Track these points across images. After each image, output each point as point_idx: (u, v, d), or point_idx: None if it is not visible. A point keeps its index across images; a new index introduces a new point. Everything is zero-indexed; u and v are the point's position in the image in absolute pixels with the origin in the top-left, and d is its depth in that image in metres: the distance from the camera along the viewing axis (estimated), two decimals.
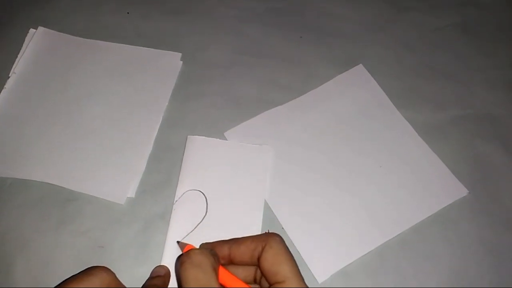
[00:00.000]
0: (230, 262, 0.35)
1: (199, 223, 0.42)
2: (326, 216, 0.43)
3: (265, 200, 0.44)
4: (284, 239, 0.41)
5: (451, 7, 0.57)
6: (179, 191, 0.43)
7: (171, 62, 0.52)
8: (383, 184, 0.45)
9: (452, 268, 0.41)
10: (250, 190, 0.44)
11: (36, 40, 0.52)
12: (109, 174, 0.45)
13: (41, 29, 0.53)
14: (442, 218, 0.43)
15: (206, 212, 0.42)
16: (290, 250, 0.40)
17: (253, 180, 0.44)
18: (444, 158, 0.46)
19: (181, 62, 0.52)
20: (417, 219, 0.43)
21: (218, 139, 0.46)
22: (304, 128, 0.48)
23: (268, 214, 0.43)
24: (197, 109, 0.49)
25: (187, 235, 0.41)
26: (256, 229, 0.42)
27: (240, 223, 0.42)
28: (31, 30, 0.53)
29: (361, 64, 0.51)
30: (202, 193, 0.43)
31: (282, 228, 0.42)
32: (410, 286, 0.40)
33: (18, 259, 0.41)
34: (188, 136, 0.46)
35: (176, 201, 0.43)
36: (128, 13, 0.55)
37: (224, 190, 0.43)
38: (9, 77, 0.50)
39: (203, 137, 0.46)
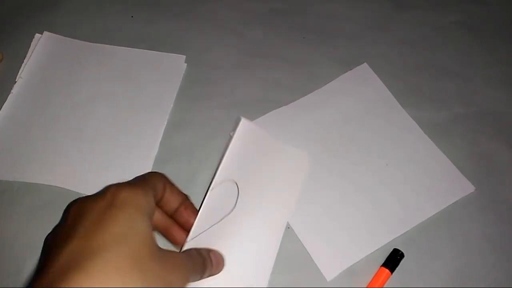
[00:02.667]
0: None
1: (223, 217, 0.39)
2: (333, 214, 0.43)
3: None
4: (291, 238, 0.42)
5: (453, 5, 0.57)
6: (219, 178, 0.40)
7: (176, 64, 0.52)
8: (390, 182, 0.45)
9: (458, 265, 0.41)
10: (281, 193, 0.42)
11: (42, 45, 0.53)
12: (116, 176, 0.45)
13: (46, 34, 0.54)
14: (447, 215, 0.43)
15: (234, 207, 0.40)
16: (297, 248, 0.42)
17: (285, 184, 0.42)
18: (449, 155, 0.46)
19: (186, 64, 0.52)
20: (424, 216, 0.43)
21: (266, 132, 0.42)
22: (310, 127, 0.48)
23: None
24: (202, 110, 0.49)
25: (210, 227, 0.38)
26: (278, 235, 0.41)
27: (264, 225, 0.40)
28: (37, 35, 0.54)
29: (365, 63, 0.52)
30: (237, 185, 0.40)
31: (288, 227, 0.42)
32: (416, 284, 0.40)
33: (28, 262, 0.41)
34: (242, 119, 0.41)
35: (212, 188, 0.39)
36: (132, 17, 0.56)
37: (256, 187, 0.41)
38: (15, 81, 0.50)
39: (255, 124, 0.42)
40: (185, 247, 0.36)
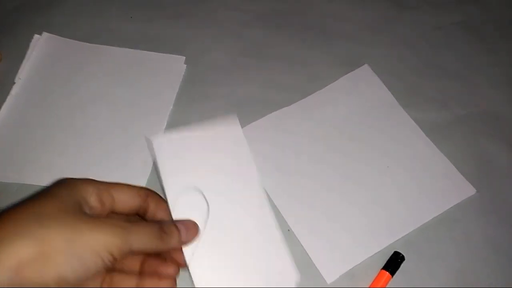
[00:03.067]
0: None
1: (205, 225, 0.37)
2: (333, 217, 0.43)
3: (272, 200, 0.44)
4: (292, 240, 0.42)
5: (453, 6, 0.57)
6: (171, 198, 0.37)
7: (175, 65, 0.52)
8: (391, 184, 0.44)
9: (459, 268, 0.41)
10: (241, 173, 0.39)
11: (41, 45, 0.53)
12: (115, 177, 0.45)
13: (45, 34, 0.53)
14: (448, 217, 0.43)
15: (208, 208, 0.37)
16: (298, 250, 0.41)
17: (239, 161, 0.39)
18: (450, 157, 0.46)
19: (185, 65, 0.52)
20: (425, 219, 0.43)
21: (181, 131, 0.39)
22: (310, 128, 0.48)
23: (276, 214, 0.43)
24: (202, 112, 0.49)
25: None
26: (271, 219, 0.37)
27: (246, 213, 0.37)
28: (36, 36, 0.53)
29: (366, 64, 0.51)
30: (199, 189, 0.37)
31: (289, 230, 0.42)
32: (417, 286, 0.40)
33: None
34: (153, 140, 0.38)
35: (173, 210, 0.37)
36: (131, 17, 0.56)
37: (216, 181, 0.38)
38: (14, 83, 0.50)
39: (167, 134, 0.40)
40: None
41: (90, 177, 0.33)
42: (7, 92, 0.49)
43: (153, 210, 0.35)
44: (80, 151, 0.47)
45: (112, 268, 0.33)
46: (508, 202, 0.44)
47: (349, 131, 0.47)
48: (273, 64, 0.52)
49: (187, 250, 0.35)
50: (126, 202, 0.34)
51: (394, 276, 0.40)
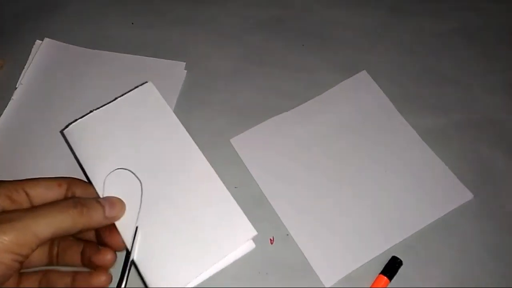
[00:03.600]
0: None
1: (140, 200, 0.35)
2: (332, 221, 0.43)
3: (270, 205, 0.44)
4: (290, 245, 0.42)
5: (451, 13, 0.57)
6: (96, 182, 0.35)
7: (176, 71, 0.52)
8: (389, 189, 0.45)
9: (456, 273, 0.41)
10: (168, 137, 0.37)
11: (43, 51, 0.53)
12: None
13: (47, 40, 0.54)
14: (445, 223, 0.43)
15: (141, 185, 0.35)
16: (296, 255, 0.42)
17: (163, 125, 0.37)
18: (447, 162, 0.46)
19: (186, 71, 0.52)
20: (422, 223, 0.43)
21: (92, 112, 0.38)
22: (309, 133, 0.48)
23: (274, 219, 0.43)
24: (202, 117, 0.50)
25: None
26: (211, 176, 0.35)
27: (185, 179, 0.35)
28: (38, 42, 0.54)
29: (364, 70, 0.52)
30: (125, 168, 0.35)
31: (287, 234, 0.43)
32: None
33: None
34: (64, 131, 0.37)
35: (102, 195, 0.35)
36: (132, 23, 0.56)
37: (144, 154, 0.36)
38: (16, 88, 0.51)
39: (77, 121, 0.38)
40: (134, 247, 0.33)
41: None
42: (9, 97, 0.50)
43: (81, 196, 0.34)
44: None
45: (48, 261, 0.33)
46: (505, 207, 0.44)
47: (348, 137, 0.48)
48: (272, 70, 0.53)
49: (124, 232, 0.33)
50: (44, 195, 0.33)
51: (392, 281, 0.40)
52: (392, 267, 0.41)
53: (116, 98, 0.38)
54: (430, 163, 0.46)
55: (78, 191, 0.34)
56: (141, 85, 0.39)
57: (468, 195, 0.44)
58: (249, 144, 0.47)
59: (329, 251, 0.42)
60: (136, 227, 0.34)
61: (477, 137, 0.48)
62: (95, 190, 0.35)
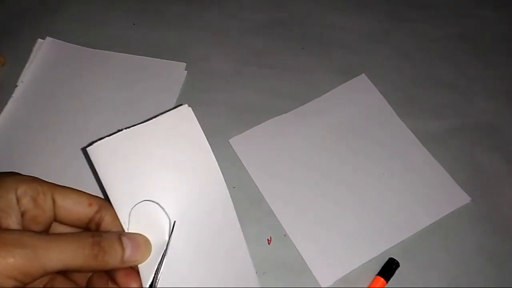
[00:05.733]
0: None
1: (168, 242, 0.31)
2: (329, 222, 0.43)
3: (268, 205, 0.44)
4: (287, 245, 0.42)
5: (449, 18, 0.58)
6: (121, 214, 0.31)
7: (176, 71, 0.53)
8: (386, 191, 0.45)
9: (453, 275, 0.41)
10: (200, 172, 0.33)
11: (44, 50, 0.53)
12: None
13: (49, 39, 0.54)
14: (442, 226, 0.43)
15: (170, 222, 0.31)
16: (293, 255, 0.42)
17: (196, 158, 0.33)
18: (445, 166, 0.47)
19: (186, 71, 0.53)
20: (420, 226, 0.43)
21: (122, 132, 0.33)
22: (308, 135, 0.48)
23: (272, 219, 0.43)
24: (201, 117, 0.49)
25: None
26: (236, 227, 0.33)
27: (211, 222, 0.33)
28: (39, 40, 0.54)
29: (363, 74, 0.52)
30: (154, 201, 0.32)
31: (285, 234, 0.43)
32: None
33: None
34: (88, 150, 0.32)
35: (127, 228, 0.31)
36: (134, 24, 0.57)
37: (172, 187, 0.32)
38: (17, 85, 0.51)
39: (104, 139, 0.33)
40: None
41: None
42: (9, 95, 0.50)
43: (108, 225, 0.30)
44: (80, 155, 0.47)
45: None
46: (502, 211, 0.44)
47: (346, 139, 0.48)
48: (272, 72, 0.53)
49: (145, 273, 0.29)
50: (71, 210, 0.30)
51: (388, 282, 0.40)
52: (389, 268, 0.41)
53: (149, 119, 0.34)
54: (428, 166, 0.47)
55: (107, 219, 0.30)
56: (177, 106, 0.35)
57: (465, 198, 0.45)
58: (248, 145, 0.48)
59: (326, 252, 0.42)
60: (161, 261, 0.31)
61: (475, 141, 0.48)
62: (119, 221, 0.31)
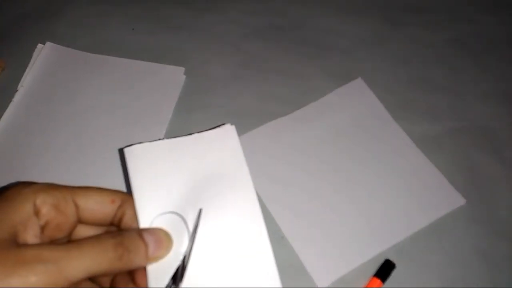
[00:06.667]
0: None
1: (189, 251, 0.30)
2: (326, 224, 0.44)
3: (266, 207, 0.45)
4: (285, 247, 0.43)
5: (445, 23, 0.58)
6: (144, 221, 0.30)
7: (175, 76, 0.53)
8: (382, 193, 0.46)
9: (448, 277, 0.42)
10: (234, 186, 0.33)
11: (44, 54, 0.54)
12: (115, 185, 0.45)
13: (49, 44, 0.55)
14: (438, 227, 0.44)
15: (190, 237, 0.30)
16: (291, 257, 0.42)
17: (231, 173, 0.33)
18: (440, 168, 0.47)
19: (184, 76, 0.53)
20: (415, 228, 0.44)
21: (162, 140, 0.34)
22: (305, 138, 0.49)
23: (270, 221, 0.44)
24: (200, 121, 0.50)
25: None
26: (263, 241, 0.32)
27: (240, 238, 0.31)
28: (39, 45, 0.55)
29: (360, 78, 0.53)
30: (179, 214, 0.31)
31: (282, 237, 0.43)
32: None
33: None
34: (126, 150, 0.33)
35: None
36: (133, 29, 0.57)
37: (200, 200, 0.31)
38: (17, 90, 0.51)
39: (145, 144, 0.34)
40: None
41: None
42: (9, 99, 0.51)
43: (130, 219, 0.30)
44: (79, 159, 0.47)
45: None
46: (496, 212, 0.45)
47: (342, 142, 0.49)
48: (269, 76, 0.54)
49: (153, 274, 0.28)
50: (95, 211, 0.29)
51: (385, 283, 0.41)
52: (385, 269, 0.41)
53: (191, 134, 0.34)
54: (423, 169, 0.47)
55: (129, 212, 0.30)
56: (221, 125, 0.35)
57: (460, 200, 0.45)
58: (246, 148, 0.47)
59: (323, 253, 0.42)
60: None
61: (470, 144, 0.49)
62: (139, 223, 0.30)
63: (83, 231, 0.30)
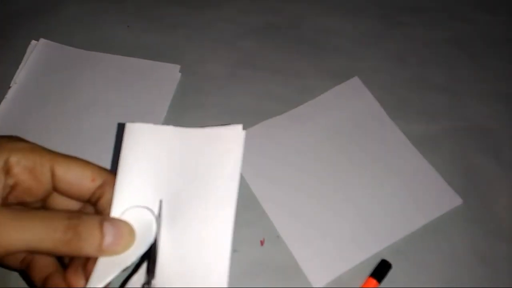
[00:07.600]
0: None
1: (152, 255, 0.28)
2: (322, 224, 0.43)
3: (261, 206, 0.44)
4: (280, 246, 0.42)
5: (442, 22, 0.58)
6: (116, 209, 0.29)
7: (170, 74, 0.53)
8: (379, 193, 0.45)
9: (445, 277, 0.41)
10: (216, 193, 0.30)
11: (38, 51, 0.53)
12: None
13: (43, 40, 0.54)
14: (435, 227, 0.44)
15: (155, 237, 0.29)
16: (286, 257, 0.42)
17: (219, 178, 0.31)
18: (437, 168, 0.47)
19: (180, 74, 0.53)
20: (412, 228, 0.43)
21: (167, 126, 0.32)
22: (301, 137, 0.48)
23: (265, 221, 0.44)
24: (195, 120, 0.50)
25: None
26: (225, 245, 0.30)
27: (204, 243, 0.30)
28: (33, 42, 0.54)
29: (356, 77, 0.53)
30: (153, 213, 0.30)
31: (278, 236, 0.43)
32: None
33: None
34: (127, 125, 0.31)
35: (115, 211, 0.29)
36: (128, 26, 0.57)
37: (179, 198, 0.30)
38: (10, 87, 0.51)
39: (150, 124, 0.32)
40: None
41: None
42: (2, 96, 0.50)
43: (106, 202, 0.28)
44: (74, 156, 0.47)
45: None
46: (493, 213, 0.45)
47: (339, 141, 0.48)
48: (265, 74, 0.53)
49: (101, 270, 0.26)
50: (72, 185, 0.27)
51: (381, 284, 0.40)
52: (381, 270, 0.41)
53: (200, 127, 0.33)
54: (420, 169, 0.47)
55: (107, 195, 0.28)
56: (227, 124, 0.33)
57: (457, 200, 0.45)
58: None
59: (319, 253, 0.42)
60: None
61: (467, 144, 0.49)
62: (111, 209, 0.28)
63: (60, 201, 0.29)
